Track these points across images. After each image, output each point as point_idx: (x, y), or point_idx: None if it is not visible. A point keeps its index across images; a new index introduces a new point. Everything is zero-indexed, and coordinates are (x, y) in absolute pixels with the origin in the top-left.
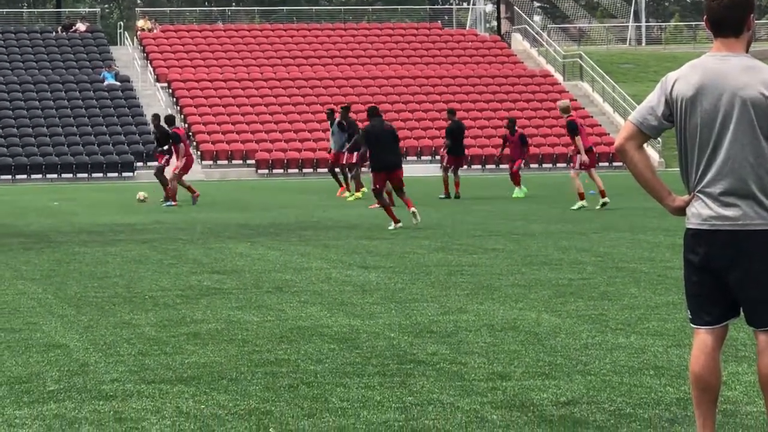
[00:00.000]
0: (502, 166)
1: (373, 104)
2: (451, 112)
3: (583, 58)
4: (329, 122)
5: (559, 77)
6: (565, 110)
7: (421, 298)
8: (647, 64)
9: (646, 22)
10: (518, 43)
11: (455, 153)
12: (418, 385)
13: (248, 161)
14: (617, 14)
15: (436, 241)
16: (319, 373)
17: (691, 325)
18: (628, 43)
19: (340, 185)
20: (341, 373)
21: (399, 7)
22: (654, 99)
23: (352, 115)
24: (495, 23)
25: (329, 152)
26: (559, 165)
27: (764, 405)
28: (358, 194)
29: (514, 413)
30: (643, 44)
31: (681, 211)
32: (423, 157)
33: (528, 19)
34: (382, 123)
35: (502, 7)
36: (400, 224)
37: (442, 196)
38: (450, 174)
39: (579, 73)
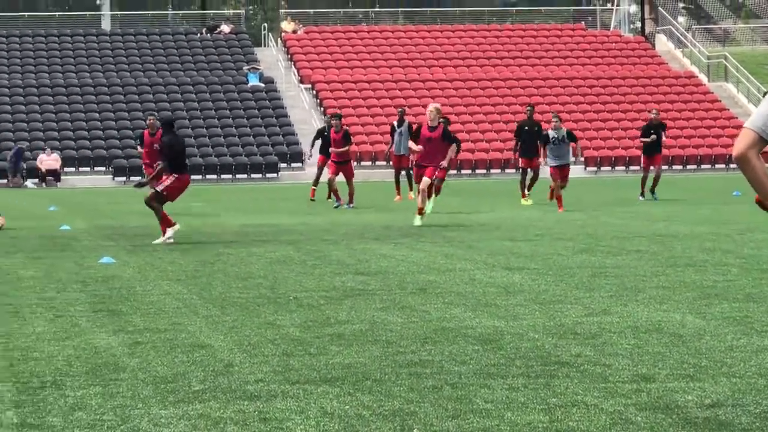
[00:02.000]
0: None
1: (521, 104)
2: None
3: (727, 59)
4: (398, 123)
5: (703, 78)
6: None
7: (564, 300)
8: None
9: None
10: (662, 44)
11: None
12: (562, 387)
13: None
14: (762, 14)
15: (579, 242)
16: (464, 374)
17: None
18: None
19: (398, 193)
20: (485, 374)
21: (543, 8)
22: None
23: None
24: (639, 24)
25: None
26: (703, 166)
27: None
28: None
29: (659, 415)
30: None
31: None
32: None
33: (672, 20)
34: None
35: (647, 8)
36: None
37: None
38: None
39: (724, 74)
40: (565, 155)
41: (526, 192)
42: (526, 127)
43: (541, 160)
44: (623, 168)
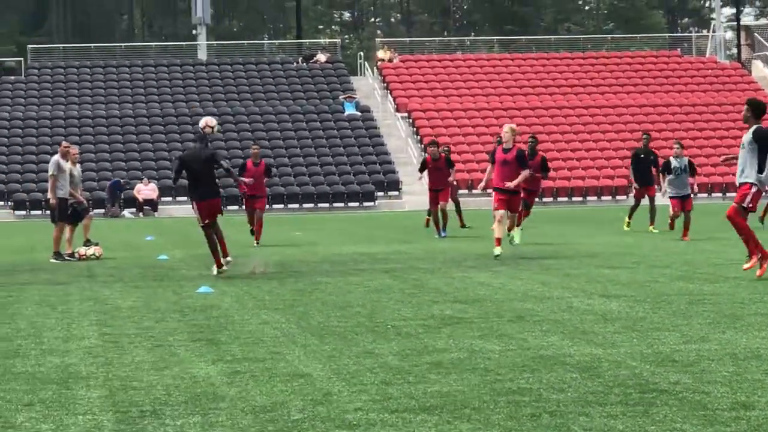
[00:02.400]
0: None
1: (617, 131)
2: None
3: None
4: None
5: None
6: None
7: (662, 327)
8: None
9: None
10: (759, 70)
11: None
12: (661, 415)
13: (488, 190)
14: None
15: (676, 270)
16: (562, 402)
17: None
18: None
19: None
20: (584, 401)
21: (638, 35)
22: None
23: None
24: (735, 50)
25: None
26: None
27: None
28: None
29: None
30: None
31: None
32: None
33: None
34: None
35: (743, 34)
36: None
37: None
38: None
39: None
40: (687, 185)
41: (649, 224)
42: (642, 155)
43: (658, 188)
44: (720, 195)
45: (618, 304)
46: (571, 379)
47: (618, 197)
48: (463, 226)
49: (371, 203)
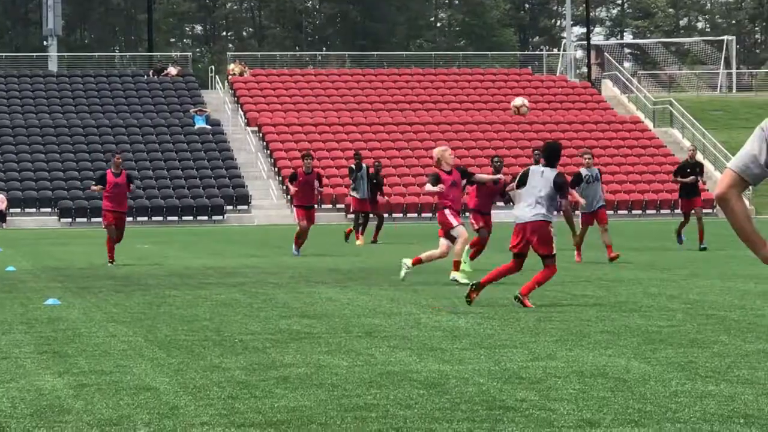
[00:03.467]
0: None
1: (468, 148)
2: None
3: (673, 105)
4: (356, 166)
5: (649, 124)
6: None
7: (510, 344)
8: (738, 111)
9: (737, 68)
10: (608, 89)
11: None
12: (507, 431)
13: (338, 205)
14: (707, 61)
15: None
16: (408, 419)
17: None
18: (718, 89)
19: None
20: (430, 418)
21: (489, 53)
22: (755, 146)
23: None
24: (585, 69)
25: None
26: (648, 211)
27: None
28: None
29: None
30: (734, 91)
31: None
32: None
33: (618, 65)
34: None
35: (593, 54)
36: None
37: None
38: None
39: (669, 119)
40: (600, 197)
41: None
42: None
43: (581, 201)
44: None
45: (466, 321)
46: (418, 396)
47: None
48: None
49: (220, 217)
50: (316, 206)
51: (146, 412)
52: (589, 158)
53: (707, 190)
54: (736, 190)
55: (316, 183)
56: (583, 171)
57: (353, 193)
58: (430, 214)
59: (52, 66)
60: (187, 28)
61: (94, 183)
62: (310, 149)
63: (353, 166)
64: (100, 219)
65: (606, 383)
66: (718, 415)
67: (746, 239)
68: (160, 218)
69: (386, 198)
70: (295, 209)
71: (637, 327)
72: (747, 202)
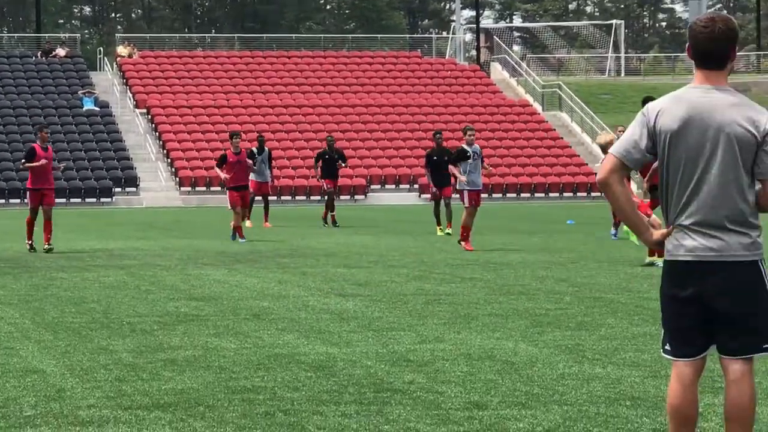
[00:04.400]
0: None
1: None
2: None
3: (561, 88)
4: (258, 149)
5: (537, 107)
6: None
7: (398, 327)
8: (626, 94)
9: (626, 52)
10: (497, 72)
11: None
12: (395, 414)
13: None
14: (596, 45)
15: (413, 270)
16: (296, 401)
17: (670, 357)
18: (607, 73)
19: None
20: (318, 400)
21: (379, 35)
22: (636, 131)
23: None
24: (474, 53)
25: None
26: (537, 195)
27: None
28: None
29: None
30: (622, 75)
31: (659, 244)
32: (401, 186)
33: (507, 48)
34: None
35: (482, 37)
36: None
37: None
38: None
39: (558, 103)
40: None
41: (447, 225)
42: (435, 156)
43: (462, 178)
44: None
45: (354, 303)
46: (305, 378)
47: (357, 197)
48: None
49: (108, 199)
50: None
51: (33, 394)
52: (472, 135)
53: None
54: (617, 175)
55: (249, 161)
56: (468, 147)
57: (253, 176)
58: (318, 197)
59: None
60: (76, 10)
61: (25, 161)
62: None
63: (254, 149)
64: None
65: (493, 366)
66: (605, 398)
67: (630, 223)
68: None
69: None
70: (228, 192)
71: (525, 310)
72: (635, 186)
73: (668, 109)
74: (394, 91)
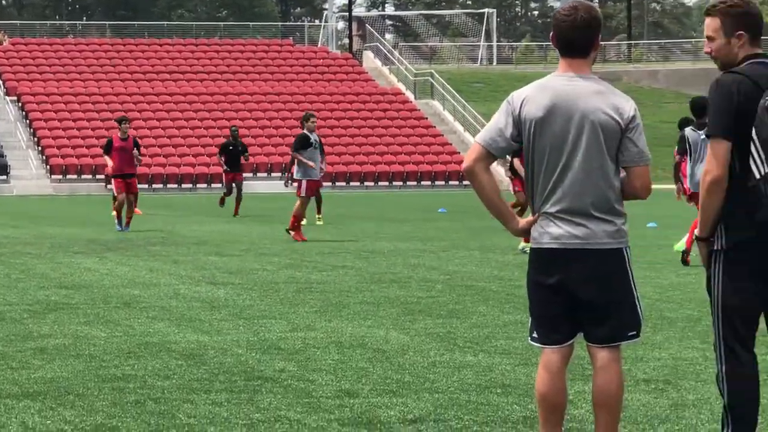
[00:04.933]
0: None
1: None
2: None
3: (434, 77)
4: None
5: (410, 95)
6: None
7: (269, 315)
8: (498, 83)
9: (497, 41)
10: (370, 61)
11: None
12: (266, 402)
13: (98, 176)
14: (468, 33)
15: (285, 258)
16: (167, 389)
17: (537, 345)
18: (479, 62)
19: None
20: (188, 389)
21: (251, 23)
22: (501, 120)
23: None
24: (347, 41)
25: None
26: (409, 183)
27: (594, 425)
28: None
29: (362, 430)
30: (494, 63)
31: (525, 233)
32: (273, 174)
33: (380, 37)
34: None
35: (354, 25)
36: None
37: None
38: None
39: (430, 91)
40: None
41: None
42: (231, 147)
43: (310, 164)
44: (329, 184)
45: (225, 292)
46: (176, 366)
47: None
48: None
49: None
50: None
51: None
52: (313, 122)
53: None
54: (483, 163)
55: (135, 151)
56: (309, 134)
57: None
58: (190, 185)
59: None
60: None
61: None
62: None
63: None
64: None
65: (365, 354)
66: (476, 385)
67: (495, 211)
68: None
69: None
70: (113, 180)
71: (397, 298)
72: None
73: (533, 97)
74: (266, 79)
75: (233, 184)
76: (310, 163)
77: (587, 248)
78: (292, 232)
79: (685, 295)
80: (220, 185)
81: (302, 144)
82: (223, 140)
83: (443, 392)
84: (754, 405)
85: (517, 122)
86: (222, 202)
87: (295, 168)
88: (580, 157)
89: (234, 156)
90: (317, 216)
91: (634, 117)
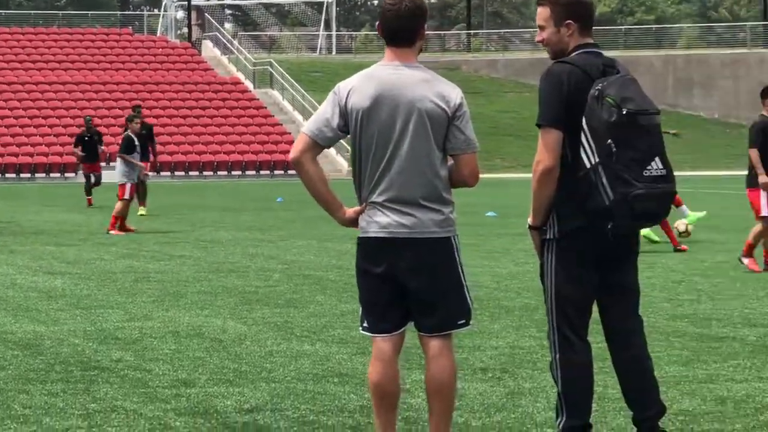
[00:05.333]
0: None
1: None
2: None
3: (273, 66)
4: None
5: (249, 84)
6: None
7: (107, 305)
8: (337, 72)
9: (337, 31)
10: (209, 50)
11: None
12: (102, 392)
13: None
14: (308, 23)
15: (123, 247)
16: (2, 380)
17: (368, 334)
18: (318, 51)
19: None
20: (24, 379)
21: (90, 12)
22: (328, 110)
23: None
24: (186, 30)
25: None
26: (248, 172)
27: (428, 413)
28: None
29: (198, 420)
30: (334, 53)
31: (353, 223)
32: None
33: (219, 26)
34: None
35: (193, 14)
36: None
37: None
38: None
39: (269, 80)
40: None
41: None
42: (87, 137)
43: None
44: (168, 173)
45: (63, 281)
46: (12, 357)
47: (67, 174)
48: None
49: None
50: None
51: None
52: (138, 122)
53: None
54: (310, 154)
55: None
56: (134, 137)
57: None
58: (43, 174)
59: None
60: None
61: None
62: None
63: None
64: None
65: (202, 343)
66: (313, 374)
67: (323, 201)
68: None
69: None
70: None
71: (235, 287)
72: (346, 164)
73: (359, 87)
74: (105, 68)
75: (91, 175)
76: (140, 164)
77: (415, 237)
78: (113, 232)
79: (523, 284)
80: (59, 174)
81: (129, 148)
82: (64, 129)
83: (280, 381)
84: (588, 393)
85: (344, 113)
86: (89, 201)
87: (119, 169)
88: (406, 146)
89: (90, 146)
90: (141, 207)
91: (460, 105)
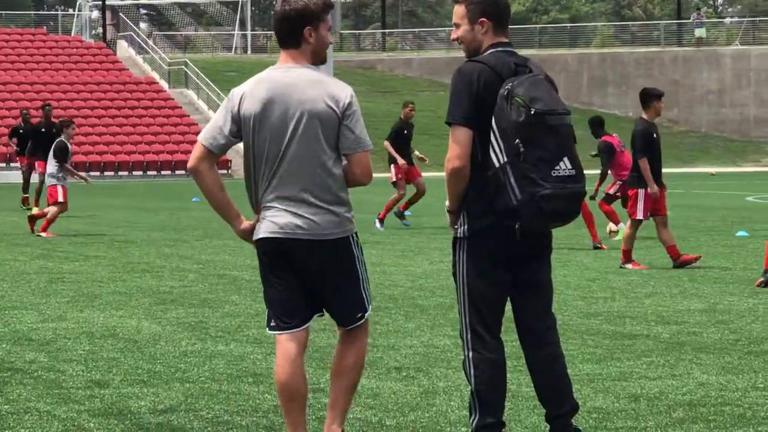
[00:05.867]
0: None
1: None
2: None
3: (188, 66)
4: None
5: (164, 84)
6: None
7: (20, 306)
8: (252, 71)
9: (252, 30)
10: (124, 50)
11: None
12: (15, 394)
13: None
14: (223, 22)
15: (37, 248)
16: None
17: (274, 333)
18: (233, 51)
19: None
20: None
21: (3, 12)
22: (220, 118)
23: None
24: (101, 30)
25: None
26: (164, 172)
27: (330, 393)
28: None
29: (112, 421)
30: (249, 52)
31: (248, 234)
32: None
33: (134, 26)
34: None
35: (108, 14)
36: None
37: None
38: None
39: (184, 80)
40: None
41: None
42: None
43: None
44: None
45: None
46: None
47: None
48: None
49: None
50: None
51: None
52: (74, 128)
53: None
54: (206, 162)
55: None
56: (68, 144)
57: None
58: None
59: None
60: None
61: None
62: None
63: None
64: None
65: (116, 344)
66: (227, 375)
67: (219, 209)
68: None
69: None
70: None
71: (149, 287)
72: None
73: (251, 92)
74: (19, 68)
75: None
76: (82, 174)
77: (312, 239)
78: (44, 234)
79: (438, 283)
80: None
81: (66, 156)
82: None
83: (194, 382)
84: (501, 391)
85: (237, 119)
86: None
87: (51, 171)
88: (298, 147)
89: (26, 140)
90: (35, 207)
91: (350, 104)
